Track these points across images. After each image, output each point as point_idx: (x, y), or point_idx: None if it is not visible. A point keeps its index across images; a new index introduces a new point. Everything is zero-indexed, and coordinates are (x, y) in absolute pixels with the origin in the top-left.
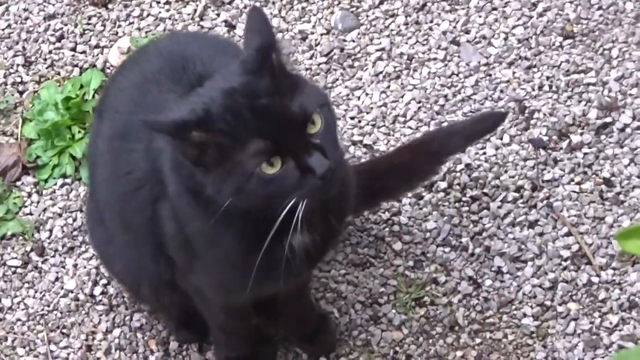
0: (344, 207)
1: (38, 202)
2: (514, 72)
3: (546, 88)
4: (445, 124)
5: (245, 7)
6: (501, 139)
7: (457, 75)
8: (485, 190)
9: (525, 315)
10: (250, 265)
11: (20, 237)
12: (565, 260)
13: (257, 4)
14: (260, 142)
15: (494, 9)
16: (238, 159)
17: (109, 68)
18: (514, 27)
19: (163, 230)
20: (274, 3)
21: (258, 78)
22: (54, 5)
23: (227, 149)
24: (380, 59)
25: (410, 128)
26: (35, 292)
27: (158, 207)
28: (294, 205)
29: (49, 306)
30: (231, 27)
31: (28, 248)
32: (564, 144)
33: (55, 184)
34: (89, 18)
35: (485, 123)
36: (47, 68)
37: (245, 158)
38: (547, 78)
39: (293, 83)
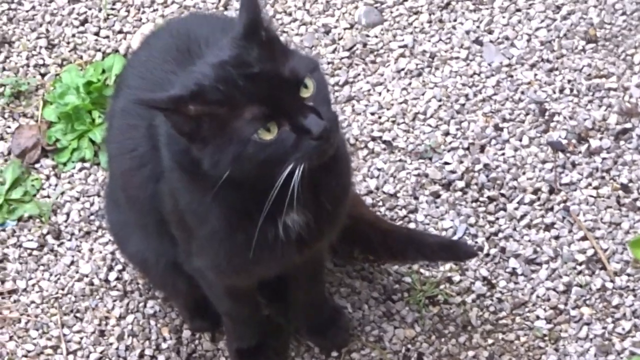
0: (337, 190)
1: (56, 185)
2: (535, 74)
3: (567, 91)
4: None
5: None
6: (520, 140)
7: (479, 75)
8: (502, 191)
9: (538, 317)
10: (242, 244)
11: (37, 220)
12: (580, 264)
13: None
14: (256, 108)
15: (518, 10)
16: (235, 126)
17: (131, 54)
18: (537, 29)
19: (164, 209)
20: None
21: (248, 49)
22: None
23: (223, 118)
24: (402, 55)
25: (430, 126)
26: (50, 275)
27: (160, 186)
28: (292, 170)
29: (63, 289)
30: None
31: (44, 231)
32: (583, 148)
33: (74, 168)
34: (114, 3)
35: (456, 252)
36: (69, 51)
37: (241, 125)
38: (569, 81)
39: (283, 52)
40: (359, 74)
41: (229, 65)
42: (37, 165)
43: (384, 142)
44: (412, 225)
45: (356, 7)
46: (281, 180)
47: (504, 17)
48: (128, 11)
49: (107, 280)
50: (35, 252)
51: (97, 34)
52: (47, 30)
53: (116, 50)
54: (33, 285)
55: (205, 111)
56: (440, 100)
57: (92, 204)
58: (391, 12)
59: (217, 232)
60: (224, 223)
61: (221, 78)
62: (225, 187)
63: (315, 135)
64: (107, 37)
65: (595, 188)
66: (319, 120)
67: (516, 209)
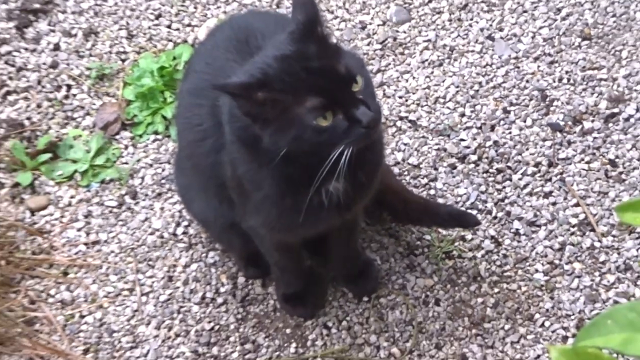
0: (372, 164)
1: (133, 154)
2: (538, 66)
3: (565, 81)
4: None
5: None
6: (525, 121)
7: (491, 66)
8: (509, 164)
9: (537, 271)
10: (290, 207)
11: (117, 182)
12: (573, 226)
13: None
14: (316, 99)
15: (525, 11)
16: (296, 112)
17: (198, 44)
18: (540, 27)
19: (224, 175)
20: None
21: (307, 45)
22: None
23: (286, 105)
24: (426, 48)
25: (449, 108)
26: (127, 229)
27: (220, 156)
28: (342, 151)
29: (138, 241)
30: None
31: (123, 192)
32: (577, 129)
33: (148, 139)
34: (183, 1)
35: (463, 220)
36: (146, 41)
37: (303, 112)
38: (566, 72)
39: (335, 50)
40: (389, 64)
41: (292, 58)
42: (117, 137)
43: (410, 121)
44: (432, 192)
45: (388, 7)
46: (332, 160)
47: (512, 17)
48: (196, 8)
49: (175, 234)
50: (115, 210)
51: (169, 26)
52: (127, 23)
53: (185, 41)
54: (113, 237)
55: (271, 97)
56: (457, 87)
57: (163, 170)
58: (417, 12)
59: (270, 197)
60: (276, 190)
61: (286, 70)
62: (279, 160)
63: (364, 124)
64: (178, 29)
65: (587, 163)
66: (368, 111)
67: (520, 179)
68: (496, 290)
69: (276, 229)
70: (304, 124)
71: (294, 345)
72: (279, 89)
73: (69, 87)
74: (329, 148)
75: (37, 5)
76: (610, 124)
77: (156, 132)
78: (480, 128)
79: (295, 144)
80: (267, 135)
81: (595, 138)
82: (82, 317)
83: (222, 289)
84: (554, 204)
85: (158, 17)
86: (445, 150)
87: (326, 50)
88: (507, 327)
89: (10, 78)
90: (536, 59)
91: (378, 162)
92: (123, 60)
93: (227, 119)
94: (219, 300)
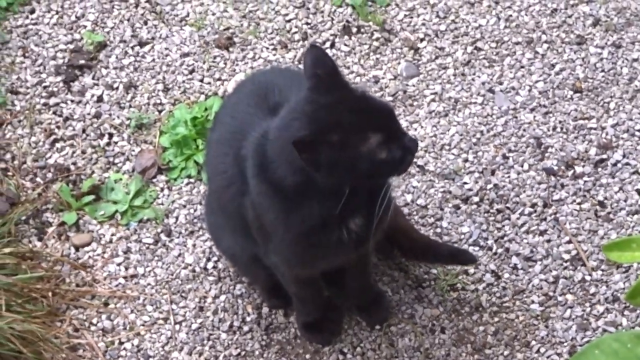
0: (387, 200)
1: (168, 196)
2: (534, 116)
3: (558, 129)
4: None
5: (333, 55)
6: (522, 166)
7: (491, 116)
8: (508, 205)
9: (533, 302)
10: (314, 246)
11: (153, 222)
12: (566, 261)
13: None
14: (378, 135)
15: (522, 67)
16: (362, 150)
17: (225, 97)
18: (536, 81)
19: (247, 217)
20: (354, 54)
21: (342, 92)
22: (188, 46)
23: (347, 147)
24: (433, 100)
25: (453, 154)
26: (163, 264)
27: (244, 200)
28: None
29: (172, 275)
30: None
31: (159, 230)
32: (570, 173)
33: (182, 182)
34: (214, 57)
35: (462, 258)
36: (180, 94)
37: (368, 149)
38: (560, 122)
39: (364, 91)
40: (400, 114)
41: (336, 105)
42: (154, 180)
43: (418, 166)
44: (438, 230)
45: (399, 63)
46: (388, 188)
47: (511, 72)
48: (225, 64)
49: (205, 268)
50: (151, 246)
51: (201, 80)
52: (164, 77)
53: (215, 93)
54: (149, 271)
55: (342, 140)
56: (461, 135)
57: (195, 210)
58: (425, 67)
59: (296, 238)
60: (305, 231)
61: (335, 117)
62: (310, 204)
63: (413, 151)
64: (209, 83)
65: (579, 204)
66: (413, 138)
67: (518, 218)
68: (496, 319)
69: (297, 265)
70: (371, 160)
71: None
72: (344, 131)
73: (110, 135)
74: (385, 178)
75: (82, 62)
76: (600, 169)
77: (189, 176)
78: (481, 172)
79: (358, 180)
80: (331, 178)
81: (585, 181)
82: (121, 343)
83: (248, 318)
84: (548, 241)
85: (191, 72)
86: (450, 192)
87: (359, 94)
88: (506, 353)
89: (58, 127)
90: (532, 109)
91: (391, 197)
92: (160, 111)
93: (256, 172)
94: (245, 328)
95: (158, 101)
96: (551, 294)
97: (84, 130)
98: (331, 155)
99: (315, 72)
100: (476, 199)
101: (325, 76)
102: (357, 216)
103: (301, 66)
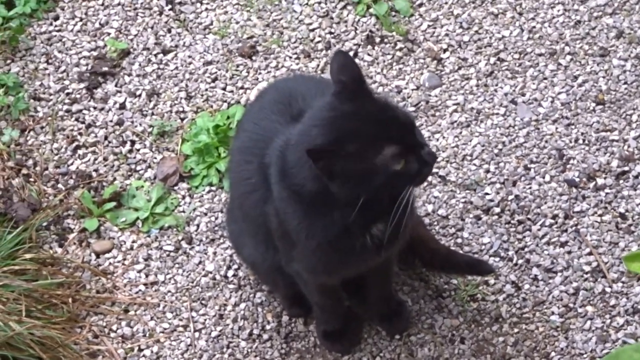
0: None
1: (189, 203)
2: (556, 128)
3: (580, 141)
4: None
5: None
6: (543, 177)
7: (513, 127)
8: (529, 216)
9: (553, 313)
10: (337, 253)
11: (175, 229)
12: (586, 273)
13: (350, 53)
14: (394, 147)
15: (545, 78)
16: (374, 162)
17: (248, 105)
18: (559, 93)
19: (270, 225)
20: (378, 64)
21: (364, 101)
22: (211, 54)
23: (362, 157)
24: (455, 111)
25: (475, 165)
26: (183, 271)
27: (267, 207)
28: (409, 189)
29: (192, 282)
30: None
31: (180, 237)
32: (591, 185)
33: (204, 190)
34: (237, 66)
35: (479, 268)
36: (203, 102)
37: (383, 160)
38: (582, 134)
39: (387, 101)
40: (422, 124)
41: (356, 114)
42: (175, 188)
43: (440, 176)
44: (459, 240)
45: (421, 73)
46: (404, 198)
47: (533, 84)
48: (248, 72)
49: (226, 276)
50: (172, 254)
51: (224, 88)
52: (186, 85)
53: (238, 102)
54: (170, 278)
55: (356, 151)
56: (483, 146)
57: (216, 218)
58: (448, 78)
59: (321, 245)
60: (330, 238)
61: (354, 127)
62: (331, 210)
63: (431, 163)
64: (232, 91)
65: (600, 215)
66: (432, 151)
67: (539, 230)
68: (516, 330)
69: (320, 272)
70: (386, 171)
71: None
72: (360, 142)
73: (132, 142)
74: (401, 189)
75: (105, 69)
76: (621, 181)
77: (211, 184)
78: (503, 183)
79: (373, 191)
80: (345, 188)
81: (607, 193)
82: (141, 350)
83: (267, 327)
84: (569, 252)
85: (214, 80)
86: (471, 203)
87: (382, 103)
88: None
89: (80, 134)
90: (555, 121)
91: (413, 203)
92: (182, 119)
93: (278, 179)
94: (265, 336)
95: (180, 109)
96: (571, 305)
97: (106, 137)
98: (346, 165)
99: (340, 79)
100: (497, 209)
101: (350, 83)
102: (380, 222)
103: (324, 75)
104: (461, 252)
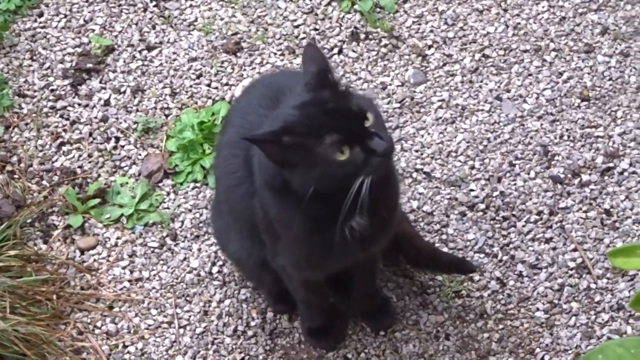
0: (390, 201)
1: (174, 200)
2: (541, 124)
3: (565, 137)
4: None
5: (340, 61)
6: (528, 174)
7: (498, 123)
8: (513, 213)
9: (538, 309)
10: (318, 245)
11: (159, 226)
12: (571, 269)
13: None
14: (334, 135)
15: (530, 74)
16: (318, 152)
17: (234, 100)
18: (544, 89)
19: (256, 219)
20: (362, 60)
21: (322, 91)
22: (196, 51)
23: (309, 146)
24: (440, 107)
25: (460, 161)
26: (168, 267)
27: (253, 201)
28: (362, 181)
29: (177, 279)
30: None
31: (164, 234)
32: (576, 181)
33: (188, 187)
34: (222, 62)
35: (462, 267)
36: (187, 98)
37: (323, 149)
38: (567, 130)
39: (347, 92)
40: (407, 121)
41: (310, 104)
42: (160, 184)
43: (425, 173)
44: (444, 237)
45: (406, 70)
46: (354, 190)
47: (518, 80)
48: (233, 69)
49: (210, 273)
50: (156, 250)
51: (209, 85)
52: (171, 82)
53: (223, 98)
54: (154, 275)
55: (294, 141)
56: (468, 142)
57: (201, 215)
58: (433, 74)
59: (299, 237)
60: (304, 230)
61: (305, 115)
62: (307, 201)
63: (380, 154)
64: (216, 87)
65: (585, 212)
66: (381, 141)
67: (524, 226)
68: (501, 326)
69: (304, 266)
70: (326, 160)
71: None
72: (300, 132)
73: (117, 139)
74: (350, 180)
75: (90, 65)
76: (606, 177)
77: (195, 181)
78: (488, 179)
79: (321, 181)
80: (295, 177)
81: (592, 190)
82: (125, 347)
83: (252, 323)
84: (554, 248)
85: (199, 76)
86: (456, 199)
87: (339, 94)
88: None
89: (65, 130)
90: (539, 117)
91: (395, 198)
92: (167, 116)
93: (257, 168)
94: (250, 333)
95: (165, 105)
96: (556, 301)
97: (90, 134)
98: (290, 154)
99: (308, 70)
100: (482, 206)
101: (316, 74)
102: (360, 216)
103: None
104: (445, 249)
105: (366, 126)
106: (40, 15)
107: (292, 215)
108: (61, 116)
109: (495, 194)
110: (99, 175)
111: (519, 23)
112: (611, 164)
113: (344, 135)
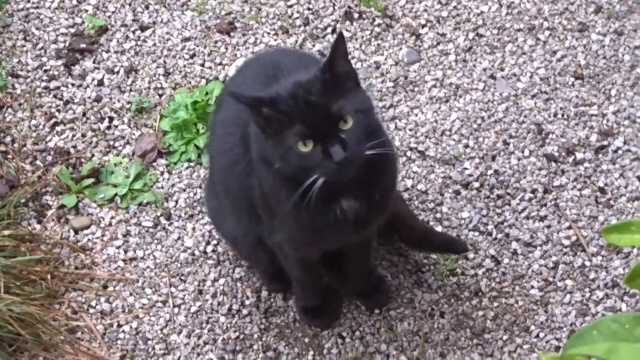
0: (385, 185)
1: (168, 179)
2: (535, 102)
3: (559, 116)
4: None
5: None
6: (522, 152)
7: (492, 102)
8: (508, 191)
9: (532, 287)
10: (308, 222)
11: (153, 205)
12: (566, 247)
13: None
14: (300, 127)
15: (524, 53)
16: (285, 134)
17: (228, 79)
18: (538, 68)
19: (253, 196)
20: (356, 40)
21: (318, 79)
22: (189, 30)
23: (282, 125)
24: (434, 86)
25: (454, 140)
26: (162, 247)
27: (250, 178)
28: (315, 179)
29: (171, 258)
30: (323, 55)
31: (158, 213)
32: (570, 159)
33: (182, 166)
34: (215, 42)
35: (455, 247)
36: (181, 78)
37: (289, 135)
38: (561, 108)
39: (343, 91)
40: (401, 100)
41: (301, 88)
42: (154, 164)
43: (419, 151)
44: (438, 215)
45: (400, 49)
46: (306, 185)
47: (512, 59)
48: (226, 48)
49: (205, 252)
50: (151, 230)
51: (202, 65)
52: (165, 62)
53: (216, 78)
54: (149, 254)
55: (272, 115)
56: (462, 121)
57: (195, 194)
58: (427, 53)
59: (289, 212)
60: (292, 206)
61: (292, 96)
62: (275, 171)
63: (334, 161)
64: (210, 67)
65: (579, 190)
66: (341, 151)
67: (518, 204)
68: (495, 304)
69: (297, 243)
70: (288, 145)
71: (311, 353)
72: (279, 110)
73: (111, 119)
74: (305, 173)
75: (83, 45)
76: (600, 155)
77: (189, 160)
78: (482, 158)
79: (281, 161)
80: (267, 147)
81: (586, 168)
82: (120, 326)
83: (247, 302)
84: (548, 226)
85: (192, 56)
86: (450, 178)
87: (329, 91)
88: (505, 337)
89: (59, 110)
90: (533, 96)
91: (391, 185)
92: (160, 95)
93: (253, 140)
94: (244, 311)
95: (159, 85)
96: (551, 279)
97: (84, 114)
98: (267, 125)
99: (330, 60)
100: (476, 184)
101: (327, 60)
102: (349, 198)
103: (302, 50)
104: (440, 227)
105: (341, 128)
106: None
107: (280, 190)
108: (55, 96)
109: (489, 172)
110: (93, 155)
111: (512, 2)
112: (605, 142)
113: (311, 130)
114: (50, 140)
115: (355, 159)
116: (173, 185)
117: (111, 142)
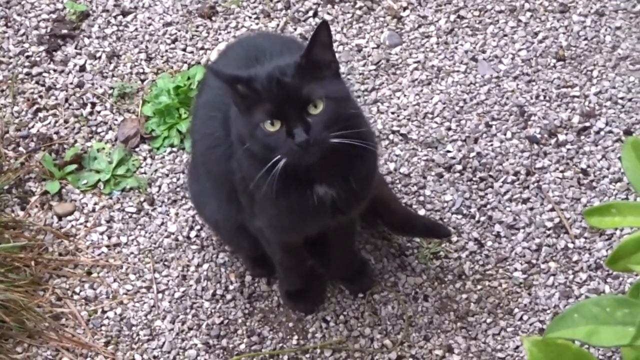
0: (361, 175)
1: (151, 165)
2: (517, 84)
3: (541, 98)
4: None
5: (316, 24)
6: (505, 134)
7: (474, 84)
8: (490, 173)
9: (516, 269)
10: (285, 207)
11: (136, 191)
12: (549, 229)
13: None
14: (269, 105)
15: (505, 35)
16: (255, 112)
17: (211, 63)
18: (519, 50)
19: (234, 180)
20: (337, 23)
21: (295, 65)
22: (171, 15)
23: (253, 102)
24: (416, 69)
25: (436, 123)
26: (146, 232)
27: (231, 162)
28: (278, 159)
29: (155, 244)
30: (305, 39)
31: (142, 199)
32: (553, 141)
33: (165, 151)
34: (197, 27)
35: (437, 231)
36: (163, 63)
37: (258, 113)
38: (543, 90)
39: (317, 77)
40: (383, 83)
41: (278, 70)
42: (137, 149)
43: (401, 134)
44: (421, 198)
45: (382, 32)
46: (270, 164)
47: (494, 41)
48: (208, 33)
49: (188, 237)
50: (134, 215)
51: (184, 49)
52: (147, 47)
53: (198, 62)
54: (132, 240)
55: (246, 93)
56: (444, 104)
57: (178, 179)
58: (408, 36)
59: (266, 196)
60: (270, 189)
61: (268, 77)
62: (256, 155)
63: (295, 142)
64: (192, 52)
65: (562, 172)
66: (303, 133)
67: (501, 186)
68: (479, 287)
69: (277, 228)
70: (256, 123)
71: (295, 337)
72: (252, 88)
73: (93, 104)
74: (269, 152)
75: (65, 31)
76: (582, 137)
77: (172, 145)
78: (464, 141)
79: (250, 140)
80: (240, 125)
81: (568, 149)
82: (104, 312)
83: (231, 287)
84: (531, 209)
85: (174, 41)
86: (433, 160)
87: (304, 75)
88: (489, 320)
89: (41, 96)
90: (515, 78)
91: (369, 171)
92: (142, 81)
93: (233, 123)
94: (228, 296)
95: (141, 70)
96: (534, 261)
97: (66, 100)
98: (241, 102)
99: (311, 45)
100: (459, 167)
101: (308, 43)
102: (322, 184)
103: (285, 34)
104: (423, 210)
105: (309, 112)
106: None
107: (257, 173)
108: (37, 82)
109: (472, 155)
110: (76, 141)
111: None
112: (587, 124)
113: (279, 109)
114: (32, 127)
115: (317, 143)
116: (156, 171)
117: (94, 128)
